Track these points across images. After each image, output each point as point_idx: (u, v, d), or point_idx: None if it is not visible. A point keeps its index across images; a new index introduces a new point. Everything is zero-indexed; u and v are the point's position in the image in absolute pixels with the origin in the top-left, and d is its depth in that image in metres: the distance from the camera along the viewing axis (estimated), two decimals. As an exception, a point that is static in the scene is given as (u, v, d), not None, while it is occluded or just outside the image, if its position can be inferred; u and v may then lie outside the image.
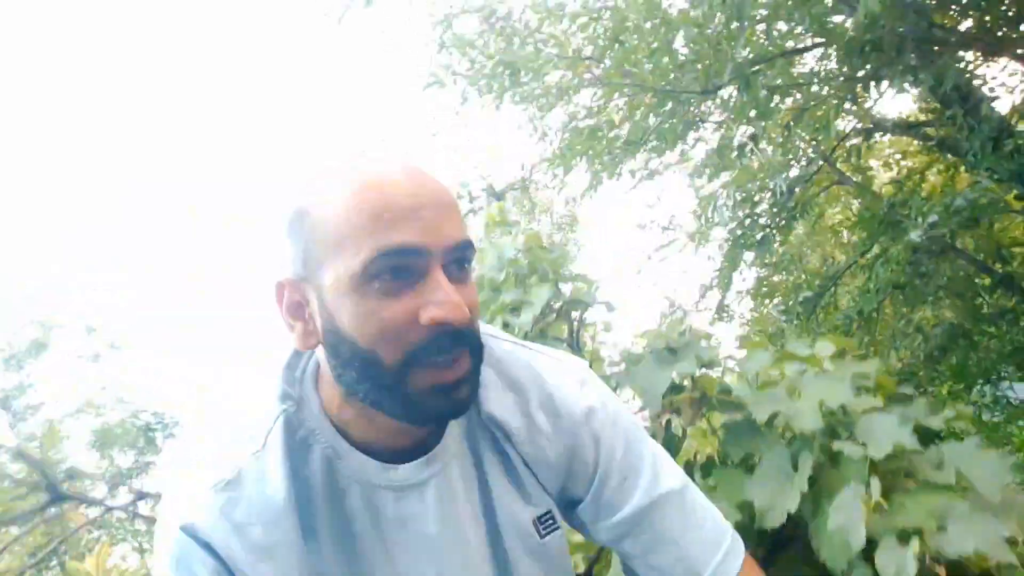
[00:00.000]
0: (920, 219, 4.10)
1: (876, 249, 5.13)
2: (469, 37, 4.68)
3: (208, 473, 0.80)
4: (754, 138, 4.25)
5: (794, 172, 5.47)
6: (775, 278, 6.72)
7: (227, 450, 0.82)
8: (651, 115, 4.55)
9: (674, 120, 4.34)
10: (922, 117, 5.54)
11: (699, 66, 3.69)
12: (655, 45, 3.86)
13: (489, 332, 0.92)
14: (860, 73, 4.24)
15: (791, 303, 5.23)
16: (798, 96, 4.54)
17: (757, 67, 3.96)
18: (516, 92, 4.52)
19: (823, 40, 4.14)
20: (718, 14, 3.57)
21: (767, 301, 6.00)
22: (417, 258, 0.72)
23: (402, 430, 0.82)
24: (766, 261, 6.16)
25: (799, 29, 4.32)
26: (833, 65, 4.58)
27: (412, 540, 0.84)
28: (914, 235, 3.95)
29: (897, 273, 4.35)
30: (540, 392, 0.90)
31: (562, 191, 6.60)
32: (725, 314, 6.68)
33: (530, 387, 0.90)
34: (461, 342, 0.74)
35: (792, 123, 4.45)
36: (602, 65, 4.39)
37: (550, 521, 0.90)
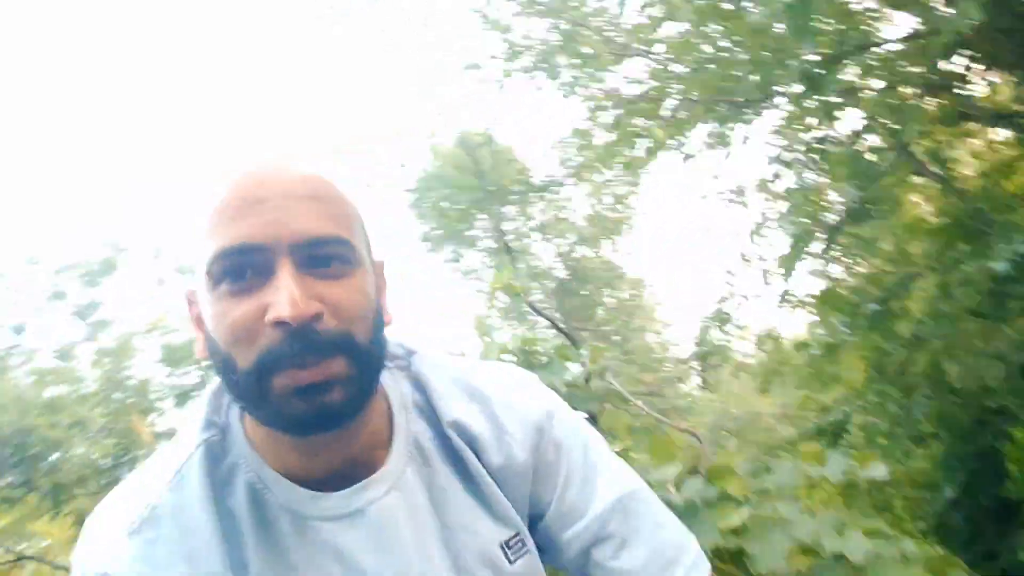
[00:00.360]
0: (1006, 241, 3.68)
1: (956, 252, 4.69)
2: (505, 22, 4.39)
3: (122, 515, 0.75)
4: (821, 142, 3.85)
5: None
6: (839, 268, 6.31)
7: (142, 487, 0.77)
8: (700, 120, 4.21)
9: (727, 127, 3.98)
10: (1016, 107, 4.95)
11: (756, 74, 3.31)
12: (706, 48, 3.49)
13: (436, 353, 0.92)
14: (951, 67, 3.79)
15: (855, 312, 4.86)
16: (870, 92, 4.08)
17: (830, 66, 3.54)
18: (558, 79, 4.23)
19: (907, 35, 3.67)
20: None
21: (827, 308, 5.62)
22: (257, 255, 0.70)
23: (311, 451, 0.77)
24: (831, 254, 5.75)
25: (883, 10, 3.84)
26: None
27: (348, 574, 0.78)
28: (999, 265, 3.54)
29: (976, 300, 3.95)
30: (501, 396, 0.88)
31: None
32: (788, 301, 6.30)
33: (490, 393, 0.88)
34: (315, 346, 0.69)
35: (865, 124, 4.01)
36: (650, 56, 4.05)
37: (519, 544, 0.85)
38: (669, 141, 5.23)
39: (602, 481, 0.87)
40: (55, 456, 11.54)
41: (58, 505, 10.15)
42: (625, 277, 14.99)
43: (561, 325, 2.22)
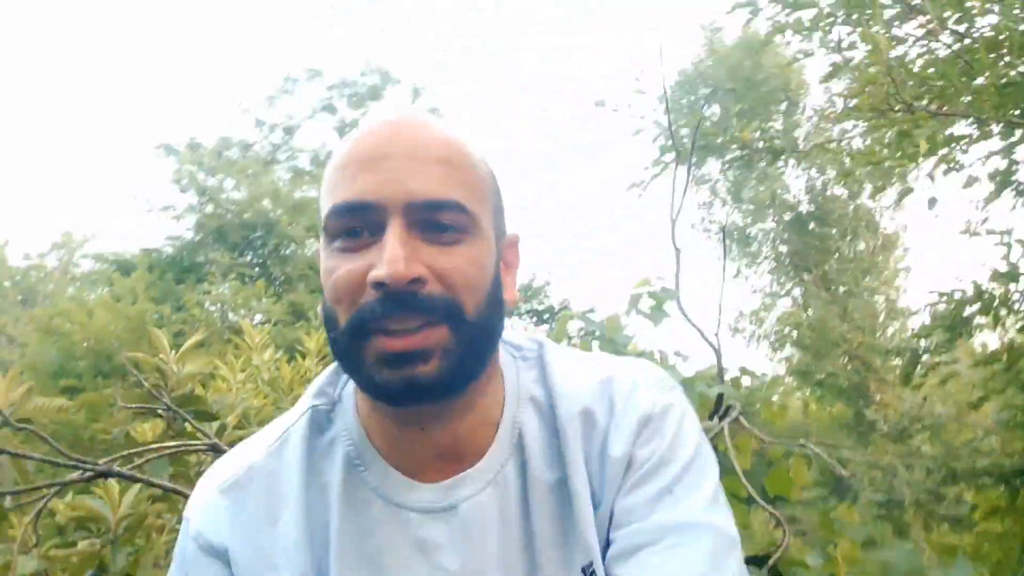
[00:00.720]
0: None
1: None
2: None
3: (222, 472, 0.79)
4: None
5: None
6: None
7: (249, 448, 0.81)
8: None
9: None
10: None
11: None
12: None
13: (567, 347, 0.89)
14: None
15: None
16: None
17: None
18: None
19: None
20: None
21: None
22: (370, 213, 0.68)
23: (412, 426, 0.74)
24: None
25: None
26: None
27: (431, 571, 0.74)
28: None
29: None
30: (625, 384, 0.80)
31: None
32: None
33: (617, 375, 0.81)
34: (408, 307, 0.66)
35: None
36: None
37: (592, 574, 0.76)
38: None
39: (688, 501, 0.74)
40: (289, 251, 12.94)
41: (280, 293, 11.46)
42: (877, 231, 13.50)
43: (712, 340, 1.91)
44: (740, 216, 14.33)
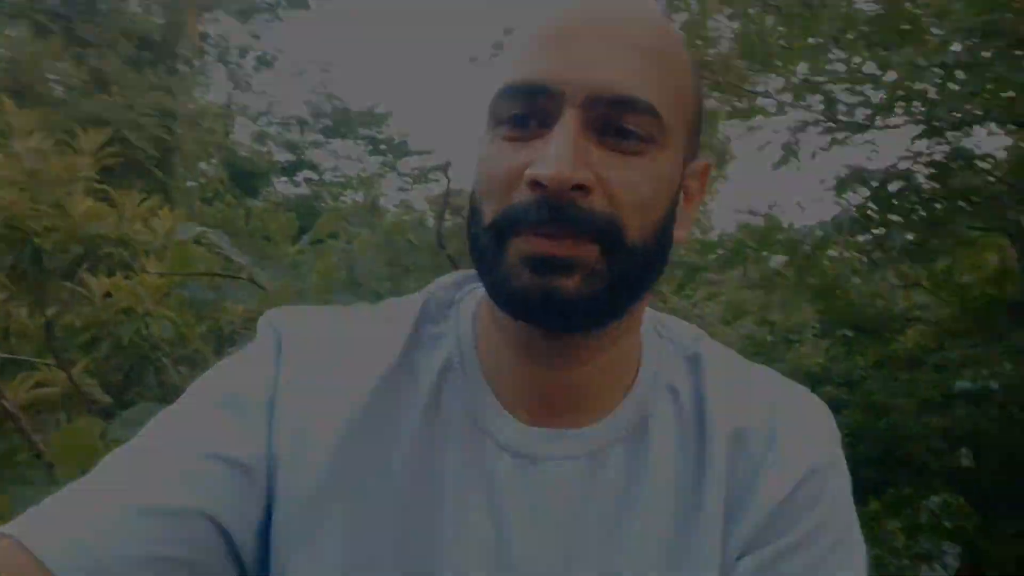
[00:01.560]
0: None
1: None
2: None
3: (336, 307, 0.77)
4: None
5: None
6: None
7: (355, 308, 0.78)
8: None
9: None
10: None
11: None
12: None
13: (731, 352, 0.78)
14: None
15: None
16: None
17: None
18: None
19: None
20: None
21: None
22: (542, 100, 0.60)
23: (530, 358, 0.67)
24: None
25: None
26: None
27: (490, 511, 0.66)
28: None
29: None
30: (797, 412, 0.71)
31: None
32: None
33: (784, 404, 0.72)
34: (564, 218, 0.58)
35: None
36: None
37: None
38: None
39: None
40: (104, 6, 11.33)
41: (83, 57, 10.16)
42: (713, 136, 13.97)
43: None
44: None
